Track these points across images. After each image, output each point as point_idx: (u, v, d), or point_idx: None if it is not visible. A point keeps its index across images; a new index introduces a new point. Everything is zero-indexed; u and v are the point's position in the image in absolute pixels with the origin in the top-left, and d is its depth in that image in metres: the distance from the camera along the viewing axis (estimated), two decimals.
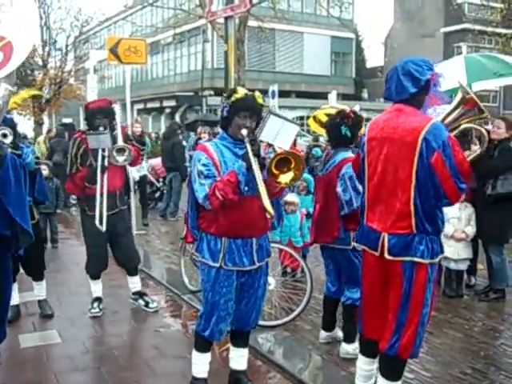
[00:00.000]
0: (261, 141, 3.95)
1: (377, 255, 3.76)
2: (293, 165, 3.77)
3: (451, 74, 7.36)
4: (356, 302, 4.77)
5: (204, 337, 4.24)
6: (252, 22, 24.58)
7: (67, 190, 6.75)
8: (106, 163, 5.91)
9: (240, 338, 4.49)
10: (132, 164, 6.39)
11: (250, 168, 3.82)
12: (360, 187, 4.39)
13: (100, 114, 6.00)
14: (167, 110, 41.88)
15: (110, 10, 42.16)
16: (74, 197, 12.26)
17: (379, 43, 53.65)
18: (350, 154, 4.90)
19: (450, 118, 3.81)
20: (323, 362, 5.04)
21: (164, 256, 9.10)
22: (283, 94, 33.47)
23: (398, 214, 3.66)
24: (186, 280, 7.02)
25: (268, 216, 3.86)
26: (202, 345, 4.31)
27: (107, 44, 11.05)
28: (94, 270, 6.34)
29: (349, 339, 5.01)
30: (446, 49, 40.33)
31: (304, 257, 6.97)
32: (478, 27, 37.55)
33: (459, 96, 3.76)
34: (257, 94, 4.13)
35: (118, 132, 6.03)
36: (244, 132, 3.96)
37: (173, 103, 40.59)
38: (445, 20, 47.05)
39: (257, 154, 3.85)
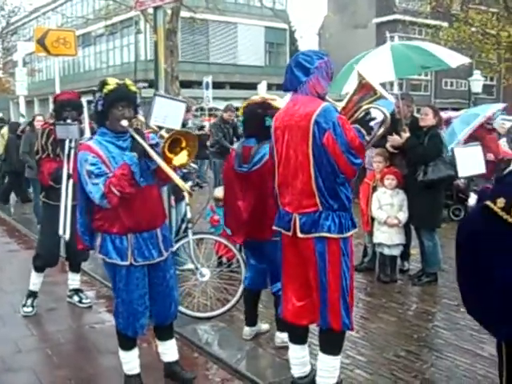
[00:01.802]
0: (148, 126, 3.92)
1: (290, 235, 3.91)
2: (184, 143, 3.82)
3: (380, 68, 7.50)
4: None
5: (127, 335, 4.18)
6: (185, 13, 24.35)
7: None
8: (72, 154, 5.77)
9: (164, 332, 4.45)
10: None
11: (141, 157, 3.79)
12: None
13: (69, 107, 5.90)
14: None
15: (38, 0, 40.99)
16: None
17: (313, 34, 54.15)
18: None
19: (352, 103, 3.95)
20: (260, 351, 5.05)
21: None
22: (217, 85, 33.36)
23: (303, 194, 3.84)
24: None
25: (186, 194, 3.86)
26: (127, 342, 4.25)
27: (35, 35, 10.76)
28: (44, 260, 6.15)
29: (283, 327, 5.03)
30: (379, 39, 40.95)
31: (240, 247, 6.96)
32: (408, 18, 38.36)
33: (356, 82, 3.92)
34: (128, 82, 4.06)
35: (86, 125, 5.96)
36: (124, 123, 3.89)
37: None
38: (376, 11, 47.91)
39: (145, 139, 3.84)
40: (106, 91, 3.91)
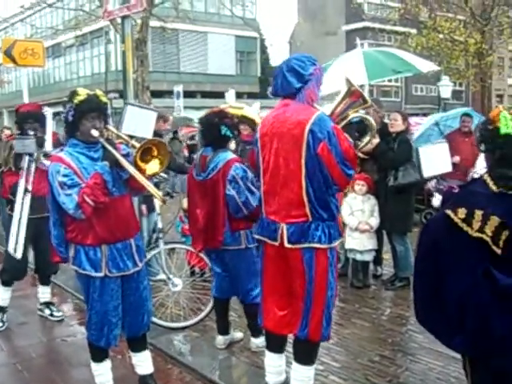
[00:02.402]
0: (119, 137, 3.91)
1: (277, 245, 3.84)
2: (156, 152, 3.80)
3: (352, 71, 7.56)
4: (256, 299, 4.80)
5: (100, 347, 4.13)
6: (154, 23, 24.29)
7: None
8: (33, 168, 5.68)
9: (138, 343, 4.40)
10: None
11: (113, 165, 3.78)
12: (253, 187, 4.54)
13: (30, 118, 5.82)
14: None
15: (5, 11, 40.51)
16: None
17: (284, 42, 54.40)
18: (231, 155, 4.85)
19: (338, 110, 3.95)
20: (233, 360, 5.03)
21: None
22: (188, 94, 33.37)
23: (292, 204, 3.77)
24: None
25: (159, 202, 3.84)
26: (100, 354, 4.20)
27: (2, 46, 10.61)
28: (10, 274, 6.04)
29: (256, 333, 5.04)
30: (348, 46, 41.26)
31: None
32: (377, 25, 38.75)
33: (345, 89, 3.88)
34: (99, 92, 4.03)
35: (48, 137, 5.85)
36: (95, 133, 3.87)
37: None
38: (346, 18, 48.26)
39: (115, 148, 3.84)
40: (76, 102, 3.87)
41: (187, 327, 5.67)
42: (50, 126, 6.00)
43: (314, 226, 3.75)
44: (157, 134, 6.41)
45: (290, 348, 4.24)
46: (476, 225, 2.74)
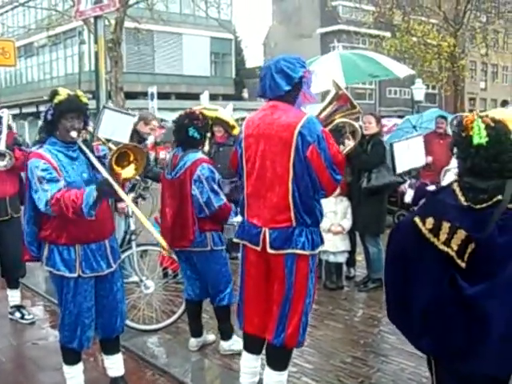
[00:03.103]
0: (98, 138, 3.89)
1: (258, 250, 3.79)
2: (132, 157, 3.77)
3: (329, 74, 7.57)
4: (223, 301, 4.88)
5: (73, 348, 4.10)
6: (129, 23, 24.15)
7: None
8: None
9: (110, 346, 4.37)
10: (19, 169, 6.10)
11: (101, 195, 3.69)
12: (217, 188, 4.55)
13: None
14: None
15: None
16: None
17: (259, 44, 54.45)
18: (200, 155, 4.84)
19: (324, 113, 3.90)
20: (206, 362, 5.01)
21: (41, 265, 8.67)
22: (163, 95, 33.18)
23: (277, 208, 3.71)
24: None
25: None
26: (72, 356, 4.17)
27: None
28: None
29: (226, 336, 5.05)
30: (323, 48, 41.48)
31: None
32: (352, 28, 38.98)
33: (333, 92, 3.86)
34: (79, 93, 4.03)
35: (3, 137, 5.76)
36: (74, 134, 3.88)
37: None
38: (321, 21, 48.47)
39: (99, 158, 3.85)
40: (56, 101, 3.88)
41: (159, 329, 5.64)
42: (5, 126, 5.92)
43: (297, 232, 3.70)
44: (141, 137, 6.34)
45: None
46: (443, 237, 2.73)
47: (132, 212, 5.80)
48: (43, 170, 3.77)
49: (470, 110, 42.36)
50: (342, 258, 7.11)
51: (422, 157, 5.97)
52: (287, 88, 3.73)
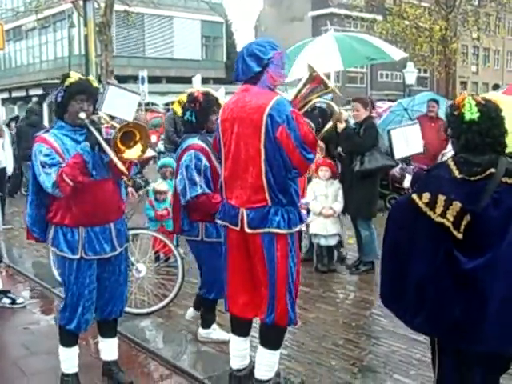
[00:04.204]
0: (99, 117, 3.88)
1: (238, 230, 3.85)
2: (138, 137, 3.77)
3: (327, 58, 7.56)
4: (209, 294, 4.83)
5: (70, 330, 4.11)
6: (119, 6, 23.93)
7: None
8: None
9: (107, 328, 4.39)
10: None
11: (94, 147, 3.75)
12: (197, 178, 4.49)
13: None
14: (34, 99, 40.04)
15: None
16: None
17: (250, 27, 54.18)
18: (194, 141, 4.71)
19: (300, 95, 3.94)
20: (198, 346, 5.01)
21: (33, 250, 8.67)
22: (153, 79, 32.97)
23: (252, 189, 3.77)
24: (55, 272, 6.71)
25: (125, 178, 3.82)
26: (69, 338, 4.18)
27: None
28: None
29: (205, 325, 5.04)
30: (315, 32, 41.31)
31: (177, 242, 6.91)
32: (343, 11, 38.88)
33: (307, 74, 3.88)
34: (91, 77, 4.09)
35: None
36: (82, 115, 3.88)
37: (39, 92, 38.89)
38: (312, 4, 48.31)
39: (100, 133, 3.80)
40: (67, 84, 3.92)
41: (151, 313, 5.64)
42: None
43: (273, 211, 3.76)
44: None
45: (254, 333, 4.25)
46: (439, 209, 2.81)
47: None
48: (46, 156, 3.83)
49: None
50: (333, 241, 7.12)
51: (419, 144, 6.00)
52: (257, 69, 3.79)
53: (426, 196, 2.86)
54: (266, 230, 3.75)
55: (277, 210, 3.75)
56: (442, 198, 2.82)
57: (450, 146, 7.04)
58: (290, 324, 3.95)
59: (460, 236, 2.80)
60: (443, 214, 2.80)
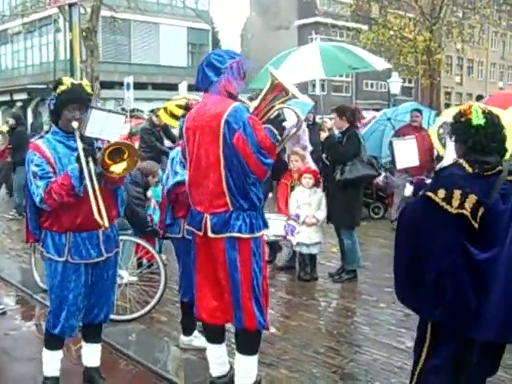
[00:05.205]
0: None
1: (201, 235, 3.93)
2: (126, 155, 3.87)
3: (308, 66, 7.61)
4: (184, 297, 4.85)
5: (54, 334, 4.10)
6: (105, 12, 23.89)
7: None
8: None
9: (91, 333, 4.38)
10: None
11: (82, 169, 3.79)
12: (179, 170, 4.61)
13: None
14: (18, 104, 39.80)
15: None
16: None
17: (236, 35, 54.30)
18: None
19: (264, 103, 3.97)
20: (180, 352, 5.01)
21: (15, 255, 8.64)
22: (140, 86, 32.83)
23: (213, 195, 3.86)
24: (37, 278, 6.69)
25: (103, 228, 3.88)
26: (53, 343, 4.17)
27: None
28: None
29: (186, 332, 5.04)
30: (301, 40, 41.49)
31: (160, 248, 6.90)
32: (329, 21, 39.09)
33: (269, 83, 3.94)
34: (84, 82, 4.10)
35: None
36: (75, 125, 3.92)
37: (24, 96, 38.70)
38: (298, 13, 48.48)
39: (89, 150, 3.85)
40: (59, 91, 3.96)
41: (133, 319, 5.62)
42: None
43: (234, 216, 3.83)
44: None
45: (233, 338, 4.26)
46: (455, 203, 3.01)
47: None
48: (36, 166, 3.88)
49: (446, 104, 42.76)
50: (315, 250, 7.14)
51: (416, 157, 6.12)
52: (215, 79, 3.90)
53: (442, 192, 3.05)
54: (228, 234, 3.83)
55: (238, 214, 3.83)
56: (457, 192, 3.02)
57: (446, 158, 7.12)
58: (260, 328, 3.97)
59: (477, 225, 3.00)
60: (461, 206, 3.01)
